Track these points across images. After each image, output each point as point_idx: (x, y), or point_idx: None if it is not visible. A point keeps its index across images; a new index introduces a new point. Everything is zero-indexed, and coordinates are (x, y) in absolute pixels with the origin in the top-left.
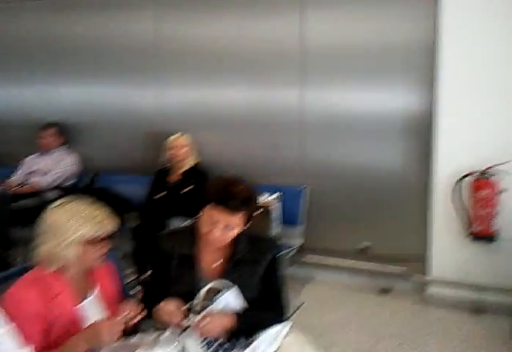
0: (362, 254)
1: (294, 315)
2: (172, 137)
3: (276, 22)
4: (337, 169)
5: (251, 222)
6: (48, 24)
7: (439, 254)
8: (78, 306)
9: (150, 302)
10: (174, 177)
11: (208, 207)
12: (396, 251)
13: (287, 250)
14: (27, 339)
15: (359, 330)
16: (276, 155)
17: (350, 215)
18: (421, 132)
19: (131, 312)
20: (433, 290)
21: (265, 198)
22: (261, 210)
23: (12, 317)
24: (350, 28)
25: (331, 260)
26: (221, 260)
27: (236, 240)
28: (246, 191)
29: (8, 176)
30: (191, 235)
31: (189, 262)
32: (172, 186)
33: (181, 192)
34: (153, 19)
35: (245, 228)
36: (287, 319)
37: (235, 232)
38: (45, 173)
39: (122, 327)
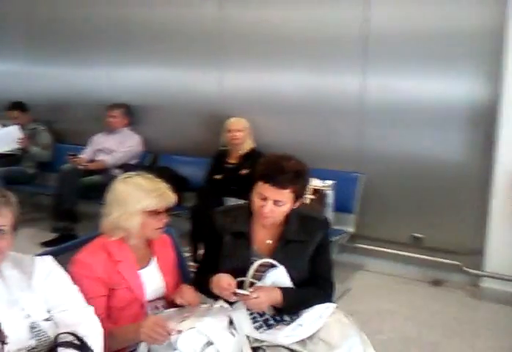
0: (415, 244)
1: (340, 300)
2: (231, 120)
3: (339, 7)
4: (395, 157)
5: (301, 200)
6: (117, 7)
7: (495, 249)
8: (139, 273)
9: (202, 277)
10: (233, 159)
11: (258, 183)
12: (450, 243)
13: (339, 236)
14: (91, 301)
15: (407, 319)
16: (334, 141)
17: (405, 205)
18: (484, 122)
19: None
20: (486, 285)
21: (319, 183)
22: (315, 195)
23: (78, 280)
24: (415, 13)
25: (383, 249)
26: (272, 239)
27: (287, 220)
28: (295, 167)
29: (77, 153)
30: (245, 213)
31: (242, 239)
32: (230, 168)
33: (238, 174)
34: (218, 2)
35: (296, 206)
36: (332, 300)
37: (285, 208)
38: (111, 152)
39: (163, 337)
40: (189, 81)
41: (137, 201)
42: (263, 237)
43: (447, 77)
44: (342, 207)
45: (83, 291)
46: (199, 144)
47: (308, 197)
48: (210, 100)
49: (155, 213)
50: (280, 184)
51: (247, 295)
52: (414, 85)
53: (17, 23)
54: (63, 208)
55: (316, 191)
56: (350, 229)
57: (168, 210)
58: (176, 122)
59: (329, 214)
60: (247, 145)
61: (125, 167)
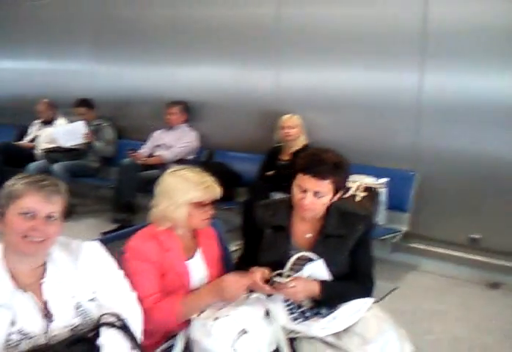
0: (472, 245)
1: (389, 299)
2: (284, 117)
3: (397, 2)
4: (453, 156)
5: (341, 193)
6: (178, 7)
7: None
8: (186, 262)
9: (241, 270)
10: (285, 156)
11: (298, 175)
12: (509, 245)
13: (392, 235)
14: (148, 283)
15: (459, 321)
16: (389, 138)
17: (462, 205)
18: None
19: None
20: None
21: (372, 181)
22: (367, 193)
23: (133, 265)
24: (474, 9)
25: (438, 250)
26: (312, 233)
27: (327, 214)
28: (334, 159)
29: (137, 148)
30: (285, 207)
31: (282, 232)
32: (282, 165)
33: (290, 171)
34: (276, 1)
35: (336, 199)
36: (371, 296)
37: (325, 200)
38: (169, 147)
39: (244, 288)
40: (246, 78)
41: (184, 193)
42: (303, 231)
43: (508, 73)
44: (396, 205)
45: (138, 274)
46: (254, 141)
47: (359, 195)
48: (266, 98)
49: (201, 204)
50: (320, 175)
51: (284, 283)
52: (473, 82)
53: (84, 23)
54: (122, 201)
55: (368, 189)
56: (404, 228)
57: (214, 203)
58: (232, 119)
59: (382, 212)
60: (300, 142)
61: (182, 162)
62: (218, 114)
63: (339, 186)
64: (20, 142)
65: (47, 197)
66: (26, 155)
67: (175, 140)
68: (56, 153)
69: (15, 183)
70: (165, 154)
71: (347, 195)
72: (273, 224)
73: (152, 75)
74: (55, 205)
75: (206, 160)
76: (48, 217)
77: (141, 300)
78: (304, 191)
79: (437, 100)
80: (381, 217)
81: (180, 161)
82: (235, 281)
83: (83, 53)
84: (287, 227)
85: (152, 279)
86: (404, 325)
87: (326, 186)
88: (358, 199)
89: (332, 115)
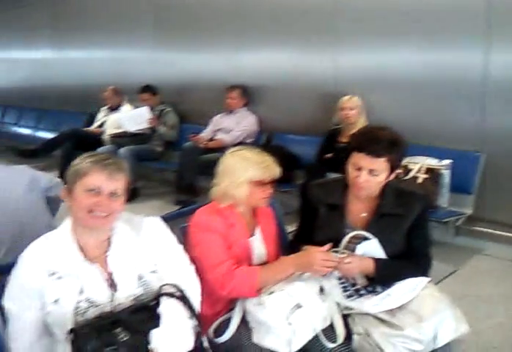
0: None
1: (450, 282)
2: (344, 98)
3: None
4: None
5: (397, 172)
6: None
7: None
8: (249, 239)
9: (296, 247)
10: (344, 138)
11: (353, 154)
12: None
13: (455, 218)
14: (220, 252)
15: None
16: (452, 119)
17: None
18: None
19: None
20: None
21: (434, 163)
22: (428, 174)
23: (201, 237)
24: None
25: (504, 233)
26: (367, 212)
27: (383, 193)
28: (390, 136)
29: (198, 132)
30: (340, 186)
31: (336, 211)
32: (341, 147)
33: (349, 153)
34: None
35: (391, 178)
36: (427, 275)
37: (381, 178)
38: (229, 131)
39: (333, 264)
40: (304, 61)
41: (244, 171)
42: (358, 210)
43: None
44: (460, 187)
45: (208, 245)
46: (312, 124)
47: (421, 176)
48: (324, 80)
49: (260, 183)
50: (375, 152)
51: (340, 259)
52: None
53: (145, 12)
54: (184, 183)
55: (430, 171)
56: (468, 211)
57: (273, 182)
58: (290, 102)
59: (445, 195)
60: (360, 124)
61: (242, 146)
62: (276, 98)
63: (395, 164)
64: (89, 128)
65: (110, 175)
66: (94, 140)
67: (235, 124)
68: (122, 138)
69: (81, 162)
70: (224, 138)
71: (408, 177)
72: (328, 202)
73: (212, 60)
74: (118, 183)
75: (265, 143)
76: (112, 194)
77: (215, 267)
78: (359, 169)
79: (504, 78)
80: (444, 199)
81: (239, 145)
82: (325, 257)
83: (145, 41)
84: (342, 206)
85: (223, 249)
86: (465, 309)
87: (381, 164)
88: (419, 180)
89: (392, 96)
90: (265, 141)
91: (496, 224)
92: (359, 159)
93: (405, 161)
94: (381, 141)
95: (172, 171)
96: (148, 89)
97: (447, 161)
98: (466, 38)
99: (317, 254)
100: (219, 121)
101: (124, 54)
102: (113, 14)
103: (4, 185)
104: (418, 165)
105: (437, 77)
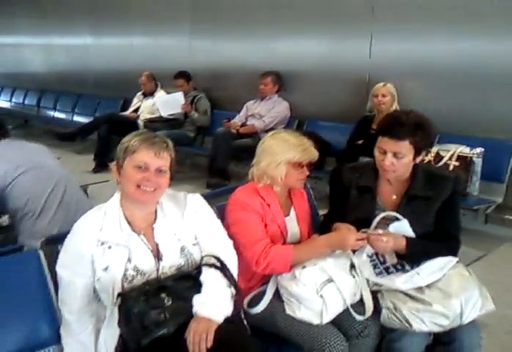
0: None
1: (476, 268)
2: (378, 85)
3: None
4: None
5: (424, 154)
6: None
7: None
8: (284, 218)
9: (328, 226)
10: (376, 125)
11: (379, 138)
12: None
13: (486, 206)
14: (259, 230)
15: None
16: (486, 108)
17: None
18: None
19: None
20: None
21: (466, 150)
22: (459, 162)
23: (241, 215)
24: None
25: None
26: (398, 194)
27: (413, 176)
28: (414, 120)
29: (231, 118)
30: (371, 169)
31: (367, 193)
32: (373, 134)
33: None
34: None
35: (418, 161)
36: (456, 255)
37: (406, 160)
38: (261, 117)
39: (365, 242)
40: (337, 48)
41: (284, 152)
42: (389, 192)
43: None
44: (491, 176)
45: (247, 223)
46: (343, 110)
47: (452, 164)
48: (358, 67)
49: (298, 164)
50: (397, 135)
51: (376, 234)
52: None
53: (182, 1)
54: (216, 167)
55: (461, 158)
56: (499, 199)
57: (311, 165)
58: (322, 88)
59: (476, 182)
60: (394, 111)
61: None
62: (309, 84)
63: (420, 147)
64: (125, 113)
65: (157, 153)
66: (129, 125)
67: (267, 110)
68: (156, 123)
69: (130, 140)
70: (256, 123)
71: (440, 164)
72: (360, 184)
73: (245, 47)
74: (164, 160)
75: (296, 129)
76: (158, 170)
77: (252, 244)
78: (384, 153)
79: None
80: (475, 187)
81: (271, 130)
82: (356, 235)
83: (181, 28)
84: (373, 188)
85: (260, 227)
86: (491, 294)
87: (404, 147)
88: (451, 168)
89: (426, 84)
90: (297, 127)
91: None
92: (383, 143)
93: (437, 149)
94: (403, 124)
95: (204, 156)
96: (183, 75)
97: (478, 149)
98: (500, 27)
99: (350, 235)
100: (252, 107)
101: (160, 41)
102: (150, 0)
103: (43, 158)
104: (450, 152)
105: (471, 66)
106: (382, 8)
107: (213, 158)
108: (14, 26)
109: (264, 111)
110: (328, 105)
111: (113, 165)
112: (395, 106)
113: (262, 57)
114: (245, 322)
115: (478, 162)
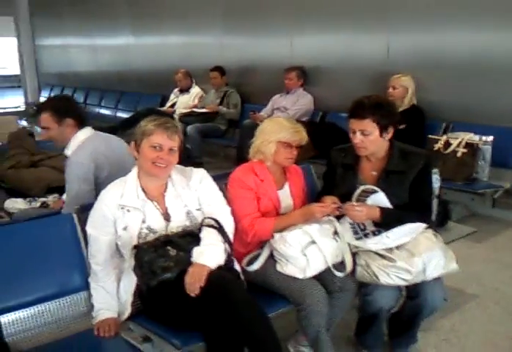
0: None
1: (482, 249)
2: (393, 76)
3: None
4: None
5: (390, 131)
6: None
7: None
8: (278, 191)
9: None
10: None
11: (349, 121)
12: None
13: (493, 190)
14: (249, 206)
15: None
16: (497, 97)
17: None
18: None
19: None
20: None
21: (474, 138)
22: (467, 149)
23: (236, 192)
24: None
25: None
26: (377, 171)
27: (390, 154)
28: (374, 101)
29: (257, 110)
30: (355, 150)
31: (350, 171)
32: None
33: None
34: None
35: (387, 137)
36: (428, 223)
37: (372, 137)
38: (286, 110)
39: (330, 209)
40: (356, 43)
41: (276, 132)
42: (369, 169)
43: None
44: (500, 162)
45: (241, 199)
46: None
47: (460, 150)
48: (376, 61)
49: (288, 145)
50: (360, 115)
51: (351, 205)
52: None
53: (217, 1)
54: (243, 158)
55: (469, 145)
56: (507, 185)
57: (299, 147)
58: (343, 82)
59: (485, 169)
60: (407, 102)
61: None
62: (331, 78)
63: (383, 124)
64: (163, 108)
65: (170, 135)
66: None
67: (292, 103)
68: (190, 117)
69: (147, 124)
70: (281, 116)
71: (448, 150)
72: (344, 162)
73: (272, 44)
74: (175, 141)
75: (319, 121)
76: (170, 150)
77: (243, 217)
78: (354, 132)
79: None
80: (485, 173)
81: None
82: (322, 207)
83: (214, 28)
84: (355, 166)
85: (251, 203)
86: (494, 272)
87: (368, 124)
88: (459, 154)
89: (439, 75)
90: (320, 119)
91: None
92: (351, 123)
93: (446, 136)
94: (364, 105)
95: (234, 147)
96: (218, 69)
97: (488, 137)
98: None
99: (314, 206)
100: (278, 100)
101: (195, 40)
102: (186, 2)
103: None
104: (458, 140)
105: (482, 57)
106: (399, 3)
107: (240, 149)
108: (62, 28)
109: (289, 104)
110: (348, 97)
111: (132, 144)
112: (410, 99)
113: (287, 53)
114: (242, 277)
115: (487, 149)
